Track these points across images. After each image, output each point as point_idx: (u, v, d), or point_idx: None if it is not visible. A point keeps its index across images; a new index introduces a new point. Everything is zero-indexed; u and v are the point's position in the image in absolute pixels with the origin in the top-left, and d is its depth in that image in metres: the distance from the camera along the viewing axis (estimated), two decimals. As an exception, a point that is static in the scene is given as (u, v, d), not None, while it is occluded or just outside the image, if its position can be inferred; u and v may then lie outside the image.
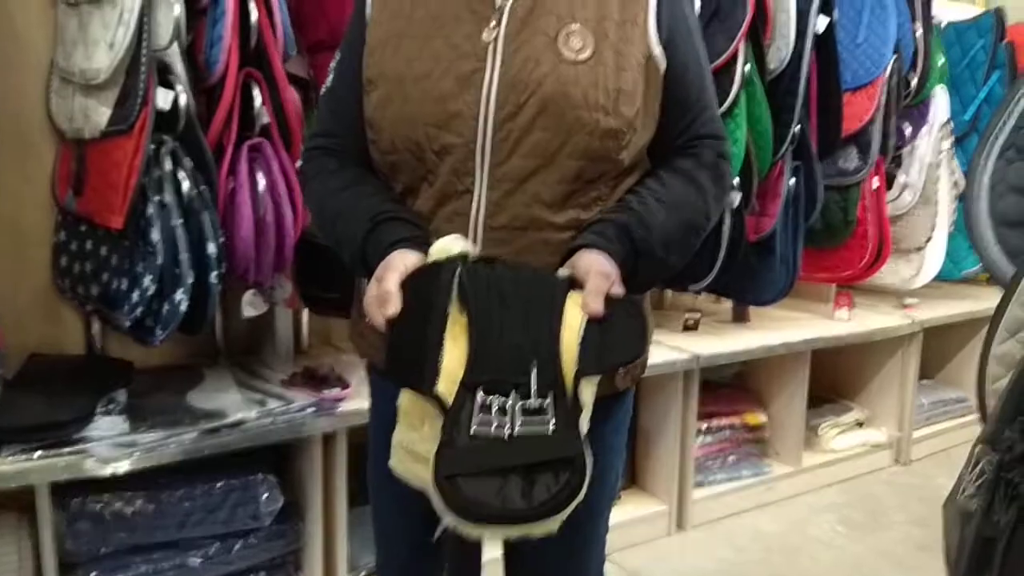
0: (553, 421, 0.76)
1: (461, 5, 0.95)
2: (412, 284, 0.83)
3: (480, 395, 0.77)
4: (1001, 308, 0.74)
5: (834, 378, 2.70)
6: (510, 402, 0.76)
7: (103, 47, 1.30)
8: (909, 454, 2.65)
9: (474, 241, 0.92)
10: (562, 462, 0.75)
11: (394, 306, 0.83)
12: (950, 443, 2.74)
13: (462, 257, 0.83)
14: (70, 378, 1.48)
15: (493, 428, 0.76)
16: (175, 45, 1.29)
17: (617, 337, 0.84)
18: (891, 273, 2.61)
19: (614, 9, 0.94)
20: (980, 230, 0.81)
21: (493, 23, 0.94)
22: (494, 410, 0.76)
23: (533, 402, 0.77)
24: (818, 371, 2.42)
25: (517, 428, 0.75)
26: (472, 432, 0.75)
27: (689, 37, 1.00)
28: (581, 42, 0.92)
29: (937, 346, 2.76)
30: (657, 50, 0.96)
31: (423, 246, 0.88)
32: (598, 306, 0.83)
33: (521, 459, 0.75)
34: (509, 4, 0.94)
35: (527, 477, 0.75)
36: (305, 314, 1.86)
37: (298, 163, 1.37)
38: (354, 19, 1.02)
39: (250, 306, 1.57)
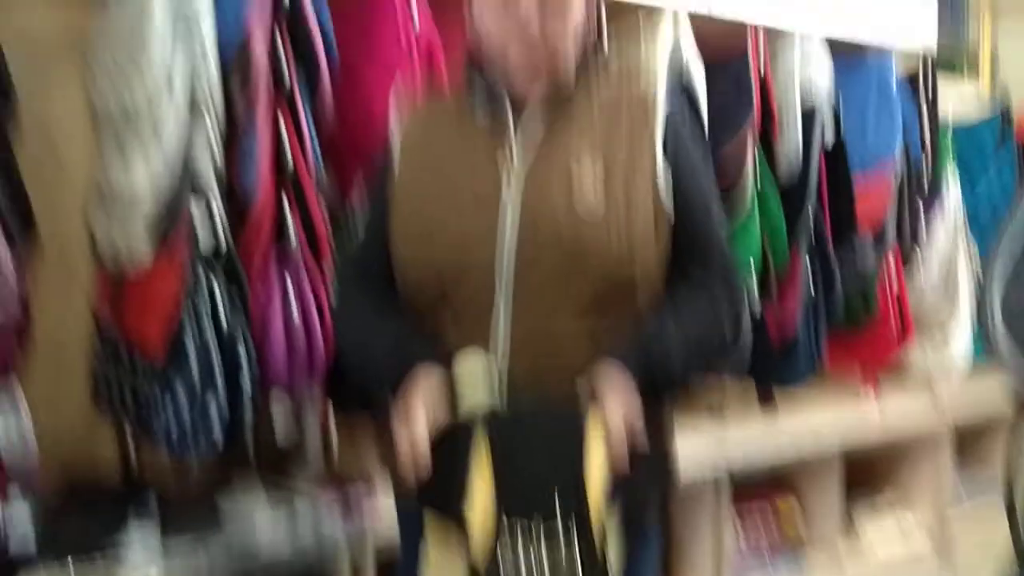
0: (578, 551, 0.78)
1: (481, 158, 1.03)
2: (440, 447, 0.89)
3: (507, 521, 0.80)
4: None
5: (869, 469, 2.65)
6: (535, 532, 0.79)
7: (143, 171, 1.38)
8: (947, 543, 2.56)
9: (495, 352, 0.95)
10: None
11: (425, 468, 0.89)
12: (989, 532, 2.64)
13: (486, 411, 0.88)
14: (104, 491, 1.50)
15: (520, 555, 0.78)
16: (212, 170, 1.37)
17: (641, 472, 0.88)
18: (917, 355, 2.60)
19: (623, 161, 1.01)
20: (992, 323, 0.83)
21: (508, 179, 1.01)
22: (520, 538, 0.79)
23: (557, 531, 0.80)
24: (852, 462, 2.39)
25: (544, 557, 0.78)
26: (498, 559, 0.78)
27: (694, 171, 1.07)
28: (593, 196, 0.98)
29: (973, 437, 2.72)
30: (665, 193, 1.02)
31: (447, 361, 0.92)
32: (622, 454, 0.86)
33: None
34: (525, 161, 1.01)
35: None
36: (333, 419, 1.88)
37: (330, 282, 1.45)
38: (380, 172, 1.11)
39: (280, 414, 1.60)
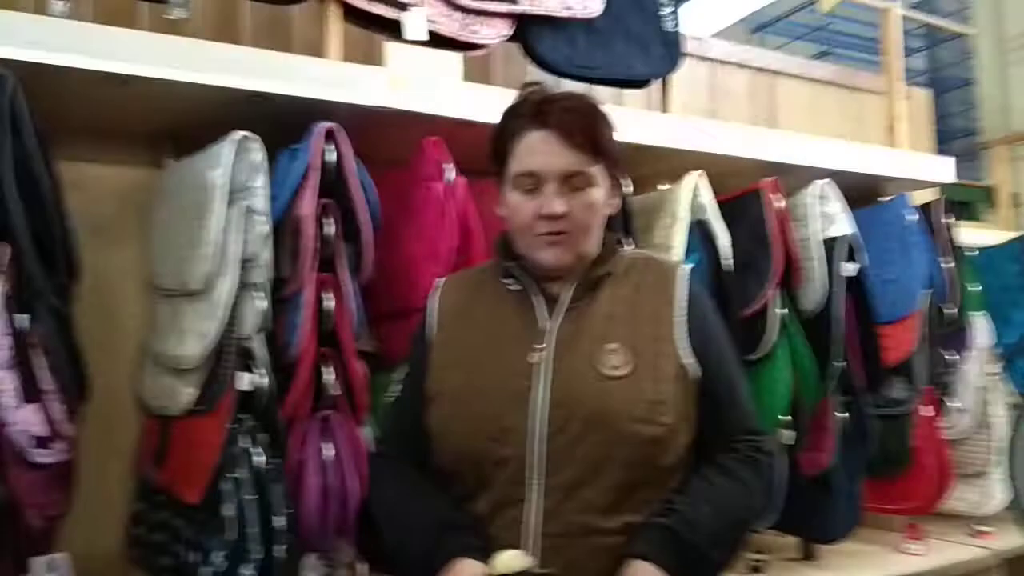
0: None
1: (512, 330, 1.09)
2: None
3: None
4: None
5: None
6: None
7: (194, 336, 1.45)
8: None
9: (530, 548, 0.97)
10: None
11: None
12: None
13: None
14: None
15: None
16: (260, 333, 1.44)
17: None
18: (959, 500, 2.52)
19: (647, 329, 1.07)
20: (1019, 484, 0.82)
21: (540, 346, 1.06)
22: None
23: None
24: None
25: None
26: None
27: (717, 343, 1.11)
28: (619, 360, 1.03)
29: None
30: (689, 360, 1.06)
31: (484, 555, 0.94)
32: None
33: None
34: (555, 329, 1.07)
35: None
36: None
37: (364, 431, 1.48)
38: (416, 339, 1.17)
39: (311, 570, 1.59)
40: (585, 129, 1.12)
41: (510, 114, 1.17)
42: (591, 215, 1.12)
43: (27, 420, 1.20)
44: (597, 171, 1.13)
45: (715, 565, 1.00)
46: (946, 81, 5.36)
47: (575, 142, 1.10)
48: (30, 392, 1.21)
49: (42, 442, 1.23)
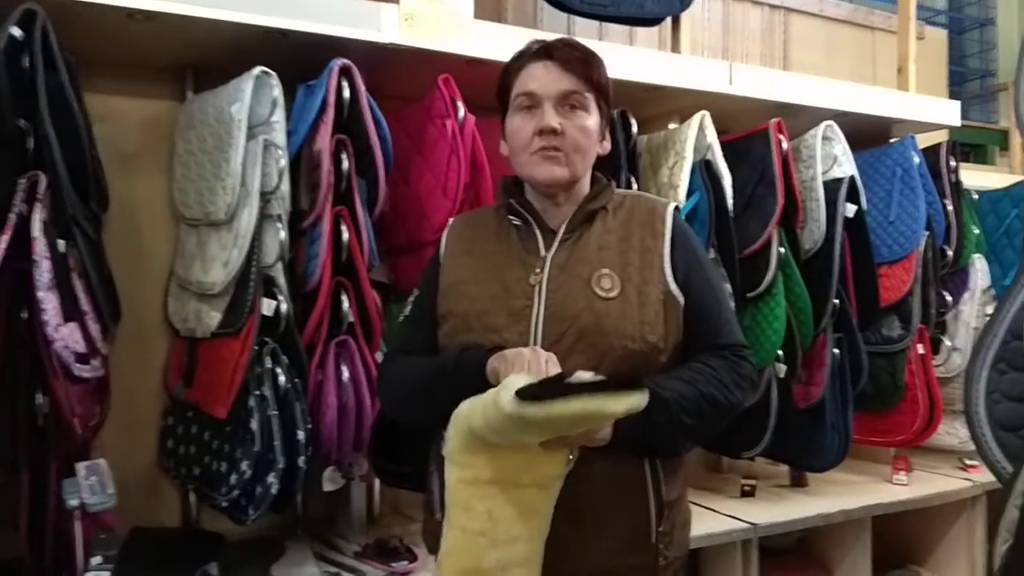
0: None
1: (514, 258, 1.18)
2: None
3: None
4: (1001, 510, 0.83)
5: (900, 541, 2.65)
6: None
7: (219, 264, 1.54)
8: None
9: None
10: None
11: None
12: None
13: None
14: (169, 551, 1.63)
15: None
16: (280, 262, 1.52)
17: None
18: (949, 435, 2.62)
19: (635, 259, 1.15)
20: (979, 432, 0.91)
21: (538, 269, 1.15)
22: None
23: None
24: (883, 535, 2.40)
25: None
26: None
27: (701, 272, 1.19)
28: (610, 283, 1.12)
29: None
30: (674, 288, 1.14)
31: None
32: None
33: None
34: (550, 255, 1.16)
35: None
36: (377, 485, 2.00)
37: (378, 356, 1.58)
38: (430, 264, 1.26)
39: (330, 482, 1.72)
40: (583, 60, 1.21)
41: (516, 56, 1.25)
42: (584, 137, 1.20)
43: (69, 337, 1.30)
44: (591, 99, 1.21)
45: (681, 426, 1.09)
46: (965, 21, 5.27)
47: (572, 68, 1.19)
48: (70, 312, 1.30)
49: (82, 358, 1.33)
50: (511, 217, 1.24)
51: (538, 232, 1.21)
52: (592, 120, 1.21)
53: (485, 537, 0.99)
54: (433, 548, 1.21)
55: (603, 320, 1.11)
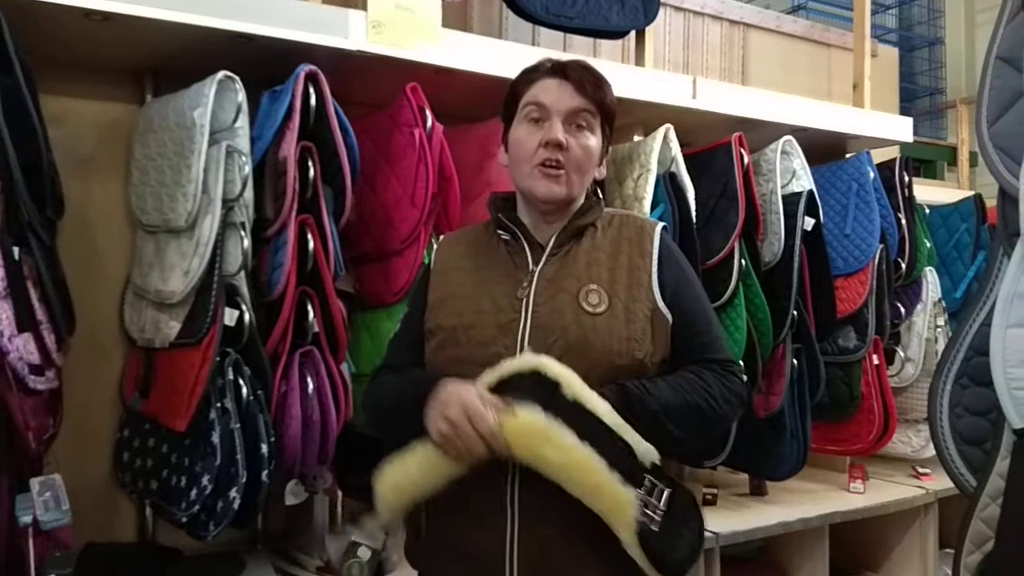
0: None
1: (502, 272, 1.18)
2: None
3: None
4: (965, 522, 0.85)
5: (856, 548, 2.70)
6: None
7: (178, 273, 1.50)
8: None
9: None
10: None
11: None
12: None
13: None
14: (125, 568, 1.58)
15: None
16: (243, 271, 1.49)
17: None
18: (903, 443, 2.69)
19: (623, 275, 1.16)
20: (943, 445, 0.93)
21: (526, 283, 1.15)
22: None
23: None
24: (840, 542, 2.44)
25: None
26: None
27: (690, 289, 1.20)
28: (597, 299, 1.12)
29: (955, 515, 2.77)
30: (662, 305, 1.15)
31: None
32: None
33: None
34: (539, 269, 1.16)
35: None
36: (340, 498, 1.96)
37: (343, 368, 1.56)
38: (419, 282, 1.27)
39: (292, 495, 1.68)
40: (595, 83, 1.23)
41: (529, 69, 1.26)
42: (586, 158, 1.21)
43: (23, 348, 1.25)
44: (597, 122, 1.23)
45: (667, 432, 1.10)
46: (915, 40, 5.44)
47: (584, 89, 1.21)
48: (24, 322, 1.26)
49: (36, 369, 1.28)
50: (500, 232, 1.25)
51: (527, 246, 1.22)
52: (596, 141, 1.23)
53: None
54: (412, 562, 1.24)
55: (590, 335, 1.12)
